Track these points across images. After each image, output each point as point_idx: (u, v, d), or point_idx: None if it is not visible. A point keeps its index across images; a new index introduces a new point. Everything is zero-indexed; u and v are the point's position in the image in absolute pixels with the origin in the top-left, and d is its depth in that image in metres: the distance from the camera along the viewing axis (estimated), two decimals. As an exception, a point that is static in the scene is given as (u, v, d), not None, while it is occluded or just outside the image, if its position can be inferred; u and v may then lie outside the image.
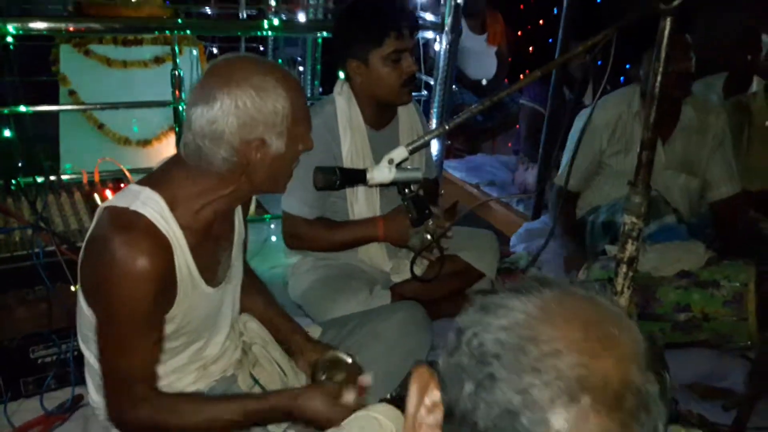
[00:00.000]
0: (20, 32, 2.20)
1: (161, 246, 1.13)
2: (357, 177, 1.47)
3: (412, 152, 1.46)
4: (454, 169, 3.46)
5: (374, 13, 1.83)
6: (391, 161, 1.44)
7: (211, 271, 1.27)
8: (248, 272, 1.53)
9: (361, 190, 1.96)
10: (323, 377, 1.41)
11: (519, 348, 0.52)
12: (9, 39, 2.71)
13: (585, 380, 0.49)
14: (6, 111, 2.50)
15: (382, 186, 1.59)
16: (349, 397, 1.27)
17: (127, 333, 1.15)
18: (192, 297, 1.23)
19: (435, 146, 2.81)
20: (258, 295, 1.55)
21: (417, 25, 1.88)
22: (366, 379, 1.34)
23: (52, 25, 2.50)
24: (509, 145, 4.05)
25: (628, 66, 4.72)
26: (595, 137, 2.29)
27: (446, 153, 4.07)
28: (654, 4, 1.32)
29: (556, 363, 0.50)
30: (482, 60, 4.45)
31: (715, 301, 1.82)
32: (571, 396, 0.49)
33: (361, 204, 1.96)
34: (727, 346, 1.91)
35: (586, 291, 0.58)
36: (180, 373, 1.33)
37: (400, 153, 1.45)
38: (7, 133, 3.05)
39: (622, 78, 4.02)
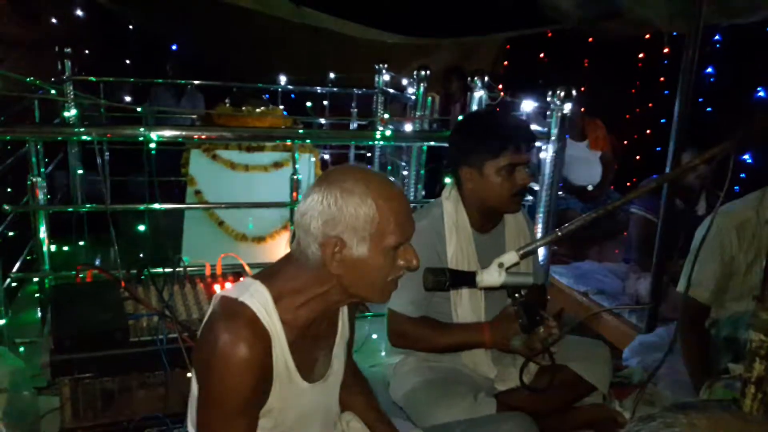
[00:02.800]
0: (160, 139, 2.47)
1: (261, 337, 1.19)
2: (466, 279, 1.49)
3: (522, 257, 1.47)
4: (561, 276, 3.39)
5: (496, 128, 1.93)
6: (501, 265, 1.46)
7: (308, 367, 1.31)
8: (354, 372, 1.55)
9: (465, 292, 1.96)
10: None
11: None
12: (152, 145, 3.05)
13: None
14: (141, 208, 2.77)
15: (489, 289, 1.60)
16: None
17: (221, 413, 1.19)
18: (288, 390, 1.26)
19: (541, 252, 2.79)
20: (360, 396, 1.55)
21: (533, 140, 1.95)
22: None
23: (190, 133, 2.80)
24: (616, 252, 3.93)
25: (742, 175, 4.56)
26: (723, 244, 2.19)
27: (552, 259, 4.02)
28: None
29: None
30: (586, 166, 4.46)
31: None
32: None
33: (465, 307, 1.96)
34: None
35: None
36: None
37: (510, 257, 1.47)
38: (141, 227, 3.36)
39: (737, 188, 3.87)
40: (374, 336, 2.67)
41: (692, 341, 2.20)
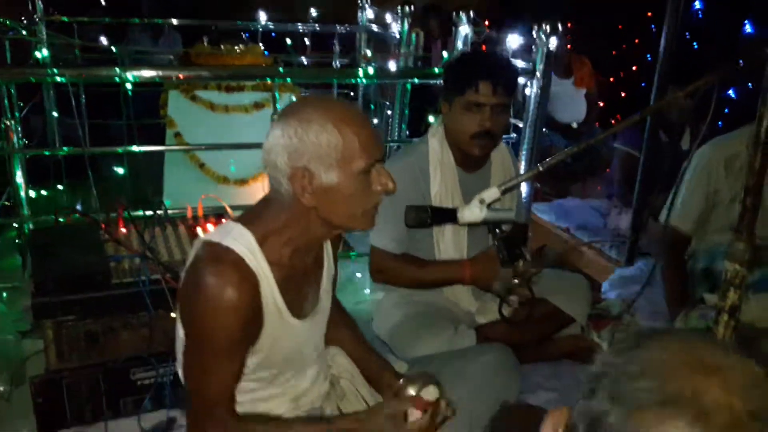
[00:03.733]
0: (136, 80, 2.40)
1: (248, 279, 1.19)
2: (448, 216, 1.49)
3: (504, 193, 1.47)
4: (543, 213, 3.41)
5: (467, 64, 1.89)
6: (482, 201, 1.46)
7: (298, 305, 1.32)
8: (338, 308, 1.57)
9: (448, 229, 1.97)
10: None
11: (623, 365, 0.56)
12: (129, 87, 2.98)
13: (676, 391, 0.52)
14: (120, 150, 2.72)
15: (472, 226, 1.61)
16: (415, 414, 1.26)
17: (210, 358, 1.22)
18: (279, 329, 1.28)
19: (524, 190, 2.80)
20: (346, 330, 1.58)
21: (508, 85, 1.87)
22: (431, 393, 1.31)
23: (167, 73, 2.73)
24: (599, 188, 3.96)
25: (726, 110, 4.55)
26: (710, 176, 2.20)
27: (535, 196, 4.03)
28: (759, 50, 1.29)
29: (652, 376, 0.54)
30: (571, 103, 4.42)
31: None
32: (658, 402, 0.52)
33: (447, 243, 1.98)
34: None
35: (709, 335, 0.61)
36: (272, 403, 1.37)
37: (492, 193, 1.46)
38: (120, 170, 3.32)
39: (720, 123, 3.87)
40: (358, 275, 2.70)
41: (671, 271, 2.25)
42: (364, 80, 3.18)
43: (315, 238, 1.30)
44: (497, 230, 1.52)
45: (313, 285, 1.38)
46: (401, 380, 1.39)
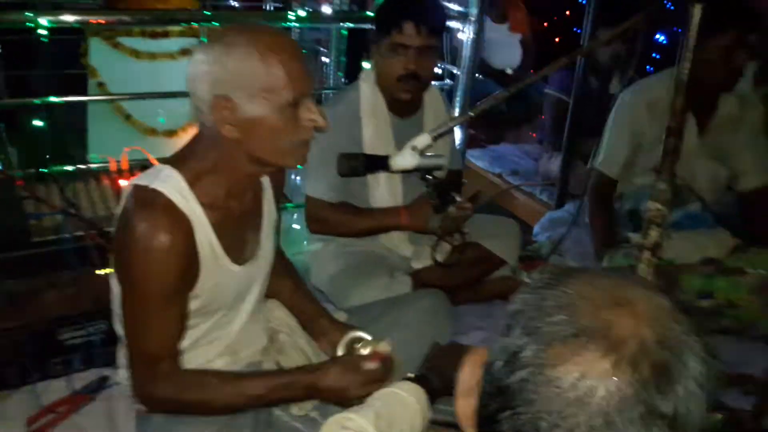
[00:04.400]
0: (52, 25, 2.24)
1: (180, 222, 1.15)
2: (380, 163, 1.48)
3: (435, 139, 1.46)
4: (477, 159, 3.46)
5: (395, 4, 1.85)
6: (414, 148, 1.45)
7: (237, 249, 1.29)
8: (280, 255, 1.55)
9: (382, 176, 1.97)
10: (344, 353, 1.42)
11: (538, 301, 0.58)
12: (41, 32, 2.78)
13: (589, 324, 0.54)
14: (37, 101, 2.56)
15: (405, 173, 1.61)
16: (369, 366, 1.28)
17: (148, 308, 1.18)
18: (217, 273, 1.25)
19: (458, 136, 2.81)
20: (287, 278, 1.56)
21: (434, 26, 1.83)
22: (385, 346, 1.34)
23: (82, 17, 2.55)
24: (533, 135, 4.02)
25: (656, 55, 4.66)
26: (633, 120, 2.26)
27: (469, 143, 4.07)
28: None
29: (566, 310, 0.56)
30: (506, 49, 4.42)
31: (740, 289, 1.80)
32: (571, 334, 0.54)
33: (382, 191, 1.98)
34: (750, 333, 1.89)
35: (621, 273, 0.63)
36: (210, 352, 1.36)
37: (423, 140, 1.46)
38: (38, 122, 3.13)
39: (649, 67, 3.96)
40: (295, 226, 2.67)
41: (598, 214, 2.32)
42: (296, 24, 3.07)
43: (246, 176, 1.25)
44: (429, 177, 1.53)
45: (253, 229, 1.35)
46: (349, 337, 1.39)
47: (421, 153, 1.45)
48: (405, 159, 1.44)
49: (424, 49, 1.81)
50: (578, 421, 0.52)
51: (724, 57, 2.07)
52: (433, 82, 2.07)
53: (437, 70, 3.25)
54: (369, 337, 1.41)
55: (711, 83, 2.14)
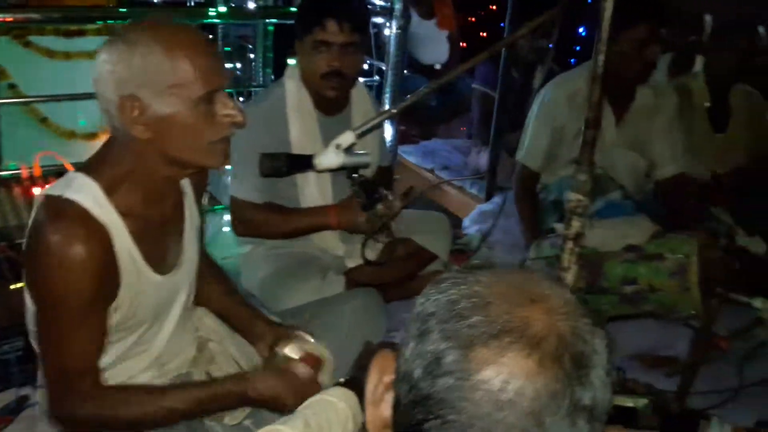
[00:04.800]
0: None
1: (96, 232, 1.10)
2: (304, 163, 1.46)
3: (359, 136, 1.45)
4: (409, 155, 3.48)
5: (316, 1, 1.83)
6: (338, 146, 1.44)
7: (159, 258, 1.24)
8: (207, 260, 1.50)
9: (312, 176, 1.94)
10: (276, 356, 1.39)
11: (451, 303, 0.56)
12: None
13: (507, 323, 0.53)
14: (-60, 105, 2.40)
15: (332, 171, 1.59)
16: (301, 370, 1.26)
17: (64, 324, 1.12)
18: (138, 284, 1.20)
19: (388, 132, 2.82)
20: (217, 283, 1.51)
21: (357, 23, 1.81)
22: (317, 349, 1.32)
23: (-15, 15, 2.41)
24: (462, 129, 4.08)
25: (578, 48, 4.80)
26: (554, 113, 2.32)
27: (401, 139, 4.09)
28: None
29: (482, 311, 0.55)
30: (434, 45, 4.45)
31: (660, 274, 1.87)
32: (492, 335, 0.53)
33: (312, 190, 1.95)
34: (671, 316, 1.97)
35: (528, 269, 0.63)
36: (135, 367, 1.30)
37: (347, 138, 1.44)
38: (-57, 129, 2.93)
39: (572, 60, 4.08)
40: (225, 229, 2.61)
41: (524, 205, 2.38)
42: (217, 20, 2.99)
43: (164, 179, 1.20)
44: (355, 175, 1.52)
45: (175, 236, 1.30)
46: (285, 339, 1.36)
47: (346, 151, 1.44)
48: (329, 158, 1.42)
49: (347, 46, 1.80)
50: (510, 423, 0.51)
51: (638, 50, 2.15)
52: (360, 79, 2.06)
53: (365, 67, 3.25)
54: (307, 337, 1.39)
55: (626, 75, 2.23)
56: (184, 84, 1.09)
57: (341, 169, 1.47)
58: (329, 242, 2.04)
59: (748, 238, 2.46)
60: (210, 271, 1.50)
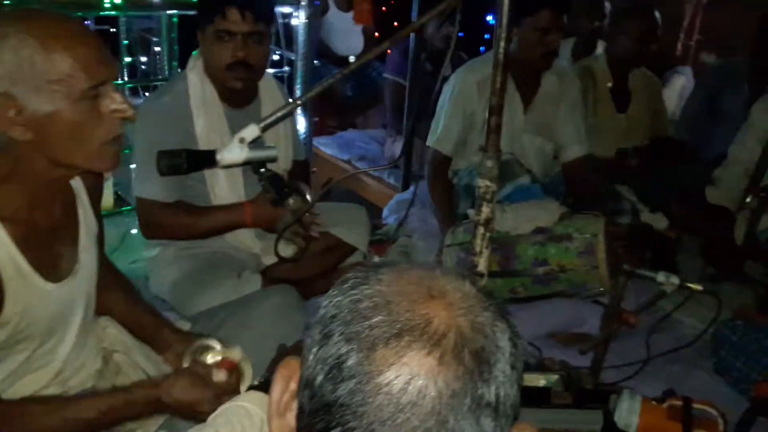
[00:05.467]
0: None
1: None
2: (206, 159, 1.39)
3: (265, 129, 1.40)
4: (325, 146, 3.44)
5: None
6: (242, 140, 1.38)
7: (50, 265, 1.16)
8: (107, 267, 1.42)
9: (222, 172, 1.88)
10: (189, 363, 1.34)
11: (353, 303, 0.55)
12: None
13: (408, 321, 0.52)
14: None
15: (238, 167, 1.54)
16: (218, 376, 1.22)
17: None
18: (27, 295, 1.11)
19: (303, 125, 2.77)
20: (119, 291, 1.44)
21: (260, 12, 1.75)
22: (233, 353, 1.28)
23: None
24: (380, 119, 4.08)
25: (487, 36, 4.89)
26: (464, 99, 2.34)
27: (319, 130, 4.05)
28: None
29: (384, 310, 0.53)
30: (349, 37, 4.44)
31: (569, 253, 1.93)
32: (393, 335, 0.52)
33: (223, 187, 1.89)
34: (582, 294, 2.05)
35: (429, 265, 0.61)
36: (34, 383, 1.22)
37: (251, 131, 1.39)
38: None
39: (482, 48, 4.15)
40: (133, 231, 2.49)
41: (438, 192, 2.41)
42: (113, 12, 2.83)
43: (50, 182, 1.12)
44: (261, 170, 1.47)
45: (68, 242, 1.22)
46: (195, 346, 1.31)
47: (251, 145, 1.39)
48: (233, 153, 1.36)
49: (251, 35, 1.74)
50: (413, 426, 0.50)
51: (540, 37, 2.20)
52: (270, 70, 2.01)
53: (275, 57, 3.18)
54: (217, 345, 1.34)
55: (530, 62, 2.28)
56: (64, 78, 1.01)
57: (247, 164, 1.42)
58: (244, 239, 1.98)
59: (652, 214, 2.59)
60: (111, 278, 1.43)
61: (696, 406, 1.60)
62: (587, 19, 3.43)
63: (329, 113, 4.29)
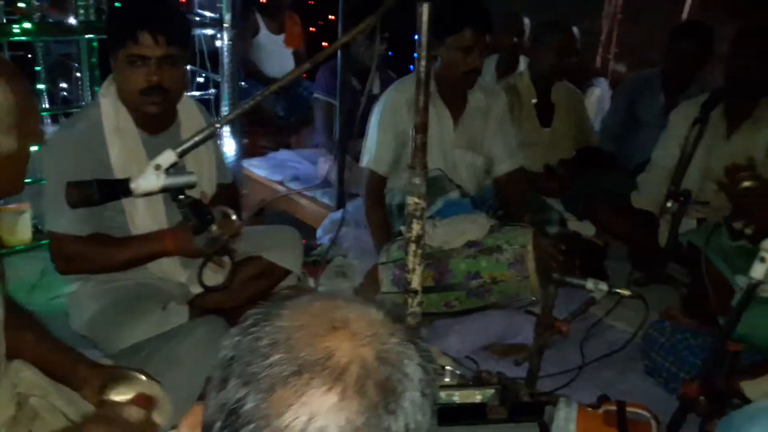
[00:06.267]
0: None
1: None
2: (119, 188, 1.33)
3: (181, 155, 1.36)
4: (257, 168, 3.38)
5: (127, 12, 1.71)
6: (158, 167, 1.33)
7: None
8: (13, 307, 1.34)
9: (141, 201, 1.80)
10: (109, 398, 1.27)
11: (253, 342, 0.52)
12: None
13: (309, 357, 0.50)
14: None
15: (155, 194, 1.47)
16: (134, 414, 1.16)
17: None
18: None
19: (232, 148, 2.71)
20: (27, 331, 1.35)
21: (174, 35, 1.69)
22: (150, 388, 1.22)
23: None
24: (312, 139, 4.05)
25: (416, 55, 4.95)
26: (396, 118, 2.34)
27: (252, 152, 3.99)
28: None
29: (283, 347, 0.51)
30: (280, 59, 4.43)
31: (500, 265, 1.95)
32: (293, 373, 0.49)
33: (142, 216, 1.80)
34: (515, 305, 2.07)
35: (332, 294, 0.59)
36: None
37: (168, 157, 1.34)
38: None
39: (411, 66, 4.19)
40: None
41: (372, 211, 2.40)
42: (24, 38, 2.71)
43: None
44: (180, 197, 1.41)
45: None
46: (107, 385, 1.26)
47: (168, 171, 1.34)
48: (148, 181, 1.31)
49: (165, 59, 1.68)
50: None
51: (462, 56, 2.23)
52: (196, 93, 1.95)
53: (200, 80, 3.12)
54: (141, 376, 1.28)
55: (455, 80, 2.31)
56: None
57: (164, 191, 1.36)
58: (169, 269, 1.90)
59: (579, 222, 2.66)
60: (18, 319, 1.34)
61: (630, 409, 1.64)
62: (508, 36, 3.53)
63: (261, 134, 4.24)
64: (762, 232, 1.37)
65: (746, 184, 1.84)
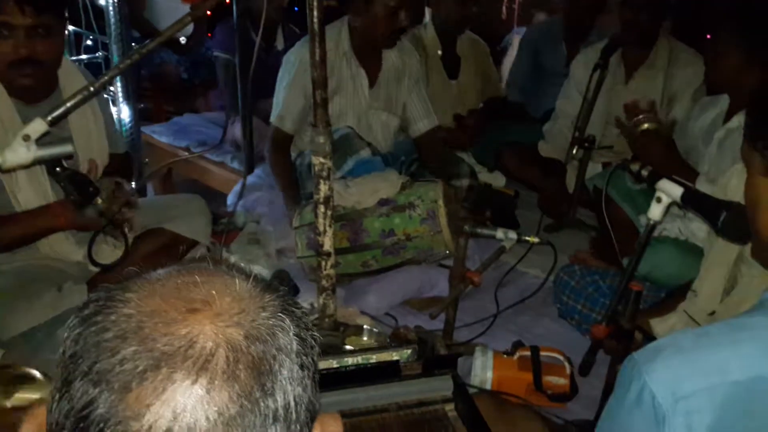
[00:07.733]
0: None
1: None
2: (-15, 164, 1.20)
3: (53, 123, 1.23)
4: (160, 134, 3.19)
5: None
6: (27, 137, 1.20)
7: None
8: None
9: (23, 175, 1.64)
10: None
11: (97, 334, 0.45)
12: None
13: (167, 347, 0.44)
14: None
15: (26, 167, 1.34)
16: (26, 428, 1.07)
17: None
18: None
19: (127, 114, 2.53)
20: None
21: (40, 3, 1.51)
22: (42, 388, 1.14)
23: None
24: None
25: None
26: (305, 75, 2.24)
27: (156, 117, 3.77)
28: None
29: (135, 339, 0.44)
30: (177, 16, 4.16)
31: (413, 221, 1.93)
32: (151, 367, 0.43)
33: (26, 191, 1.65)
34: (430, 260, 2.07)
35: (195, 265, 0.51)
36: None
37: (37, 126, 1.22)
38: None
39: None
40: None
41: (280, 171, 2.34)
42: None
43: None
44: (57, 169, 1.29)
45: None
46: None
47: (40, 142, 1.22)
48: (17, 153, 1.19)
49: (35, 29, 1.51)
50: None
51: (391, 15, 2.17)
52: (84, 56, 1.78)
53: (88, 42, 2.89)
54: (37, 374, 1.18)
55: (376, 39, 2.25)
56: None
57: (37, 163, 1.24)
58: (60, 248, 1.76)
59: (490, 173, 2.68)
60: None
61: (543, 353, 1.68)
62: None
63: (165, 99, 4.02)
64: (658, 173, 1.40)
65: (645, 126, 1.90)
